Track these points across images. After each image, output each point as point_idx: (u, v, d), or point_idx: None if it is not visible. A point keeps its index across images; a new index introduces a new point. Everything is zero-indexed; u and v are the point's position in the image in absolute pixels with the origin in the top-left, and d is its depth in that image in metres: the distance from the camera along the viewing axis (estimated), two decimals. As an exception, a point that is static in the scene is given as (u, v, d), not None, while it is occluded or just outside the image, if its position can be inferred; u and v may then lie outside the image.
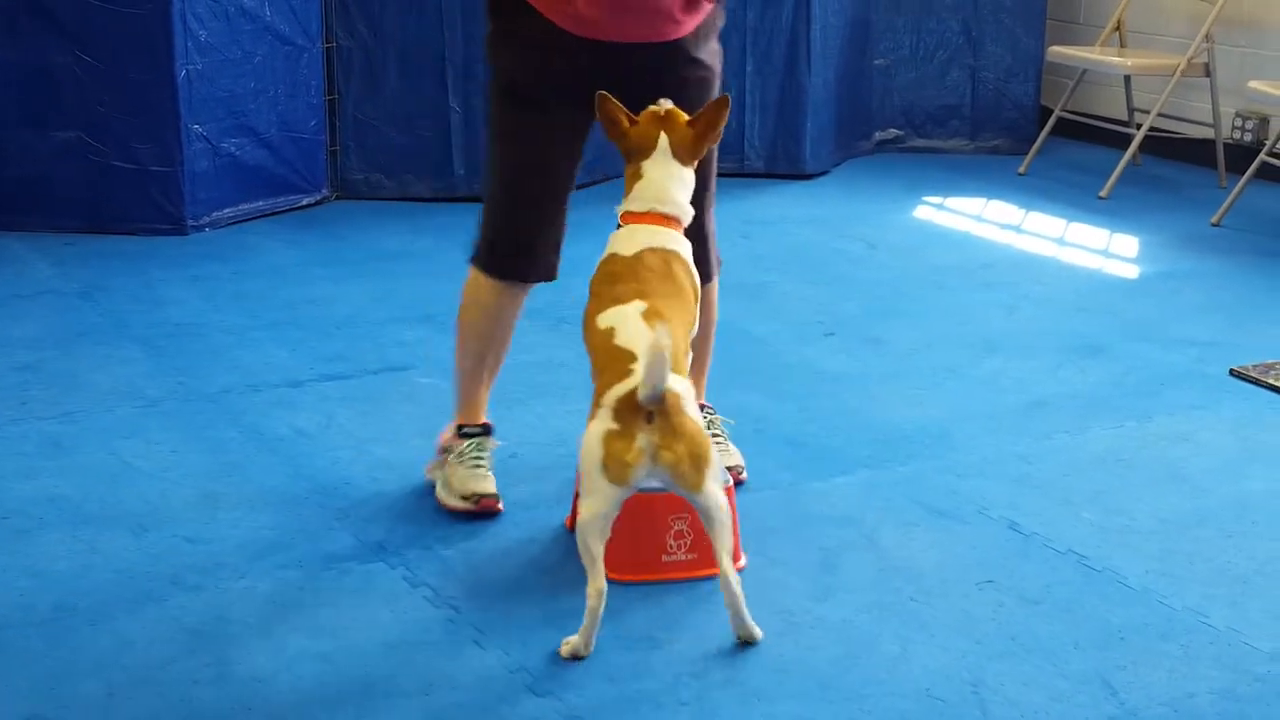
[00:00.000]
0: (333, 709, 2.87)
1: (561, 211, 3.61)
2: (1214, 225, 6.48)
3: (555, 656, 3.04)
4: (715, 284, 3.81)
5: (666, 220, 3.28)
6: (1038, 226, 6.50)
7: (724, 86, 3.60)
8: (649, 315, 3.06)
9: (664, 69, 3.48)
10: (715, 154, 3.67)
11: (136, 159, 5.91)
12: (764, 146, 7.15)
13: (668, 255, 3.23)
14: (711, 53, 3.59)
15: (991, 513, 3.73)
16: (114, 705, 2.86)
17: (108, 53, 5.81)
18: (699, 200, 3.43)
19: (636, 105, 3.34)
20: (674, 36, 3.46)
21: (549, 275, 3.65)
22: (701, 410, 3.80)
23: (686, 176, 3.32)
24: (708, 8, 3.49)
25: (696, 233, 3.47)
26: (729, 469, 3.57)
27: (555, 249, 3.63)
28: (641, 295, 3.12)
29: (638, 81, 3.43)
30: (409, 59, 6.52)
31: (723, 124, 3.33)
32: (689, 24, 3.46)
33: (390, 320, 5.08)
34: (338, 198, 6.60)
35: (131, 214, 5.96)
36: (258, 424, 4.19)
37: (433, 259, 5.79)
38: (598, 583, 2.97)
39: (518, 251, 3.60)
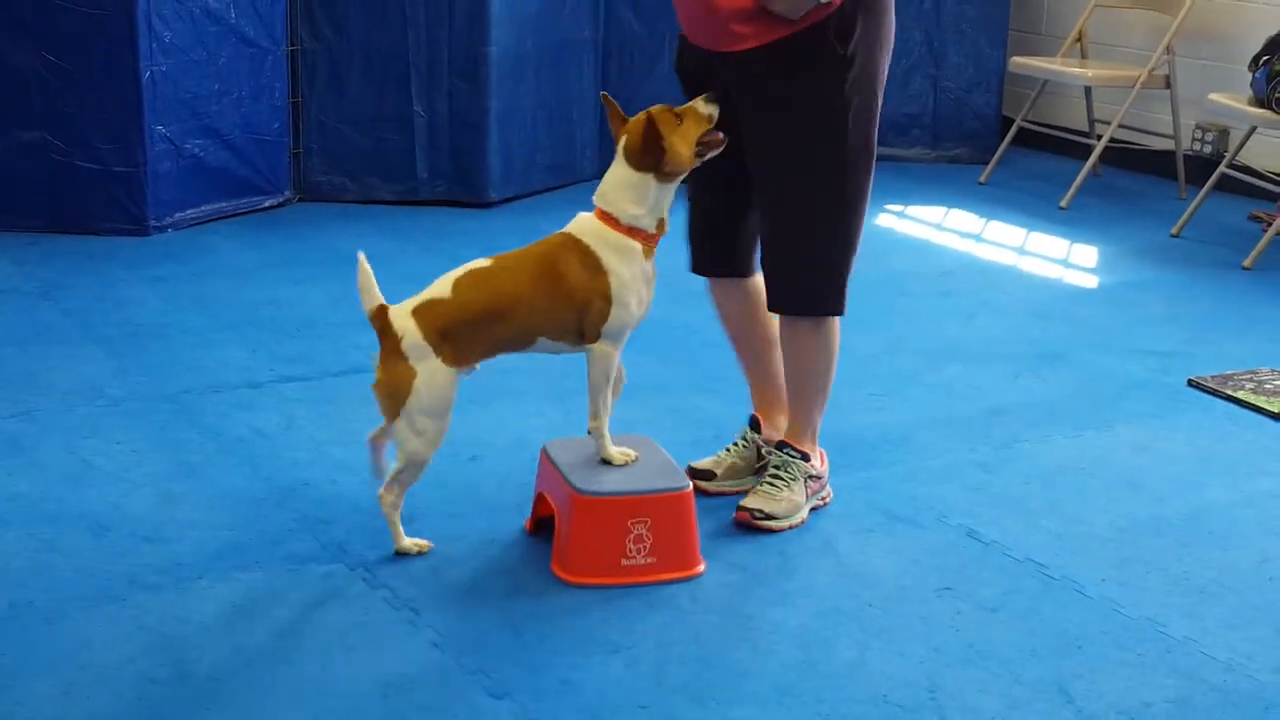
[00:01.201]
0: (290, 710, 2.86)
1: (717, 203, 3.69)
2: (1174, 236, 6.52)
3: (514, 660, 3.05)
4: (807, 323, 3.61)
5: (602, 216, 3.38)
6: (998, 235, 6.53)
7: (846, 133, 3.44)
8: (468, 272, 3.36)
9: (737, 85, 3.44)
10: (819, 181, 3.49)
11: (99, 159, 5.88)
12: (728, 153, 7.15)
13: (566, 239, 3.38)
14: (800, 87, 3.39)
15: (950, 520, 3.75)
16: (71, 704, 2.85)
17: (72, 53, 5.78)
18: (765, 231, 3.56)
19: (729, 118, 3.42)
20: (734, 49, 3.40)
21: (715, 269, 3.78)
22: (781, 448, 3.71)
23: (633, 180, 3.35)
24: (774, 32, 3.34)
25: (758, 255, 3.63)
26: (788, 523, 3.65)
27: (713, 241, 3.74)
28: (495, 259, 3.40)
29: (729, 94, 3.45)
30: (373, 63, 6.51)
31: (653, 140, 3.31)
32: (750, 39, 3.36)
33: (351, 323, 5.06)
34: (300, 200, 6.59)
35: (94, 214, 5.94)
36: (217, 425, 4.19)
37: (395, 262, 5.76)
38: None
39: (689, 242, 3.80)
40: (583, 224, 3.40)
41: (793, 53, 3.37)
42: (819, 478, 3.73)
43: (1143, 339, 5.18)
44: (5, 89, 5.83)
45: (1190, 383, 4.74)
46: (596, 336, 3.38)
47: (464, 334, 3.31)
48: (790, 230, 3.53)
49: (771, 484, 3.67)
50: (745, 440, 3.87)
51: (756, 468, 3.84)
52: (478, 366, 3.45)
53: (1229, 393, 4.63)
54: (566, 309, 3.35)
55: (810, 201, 3.50)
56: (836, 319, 3.64)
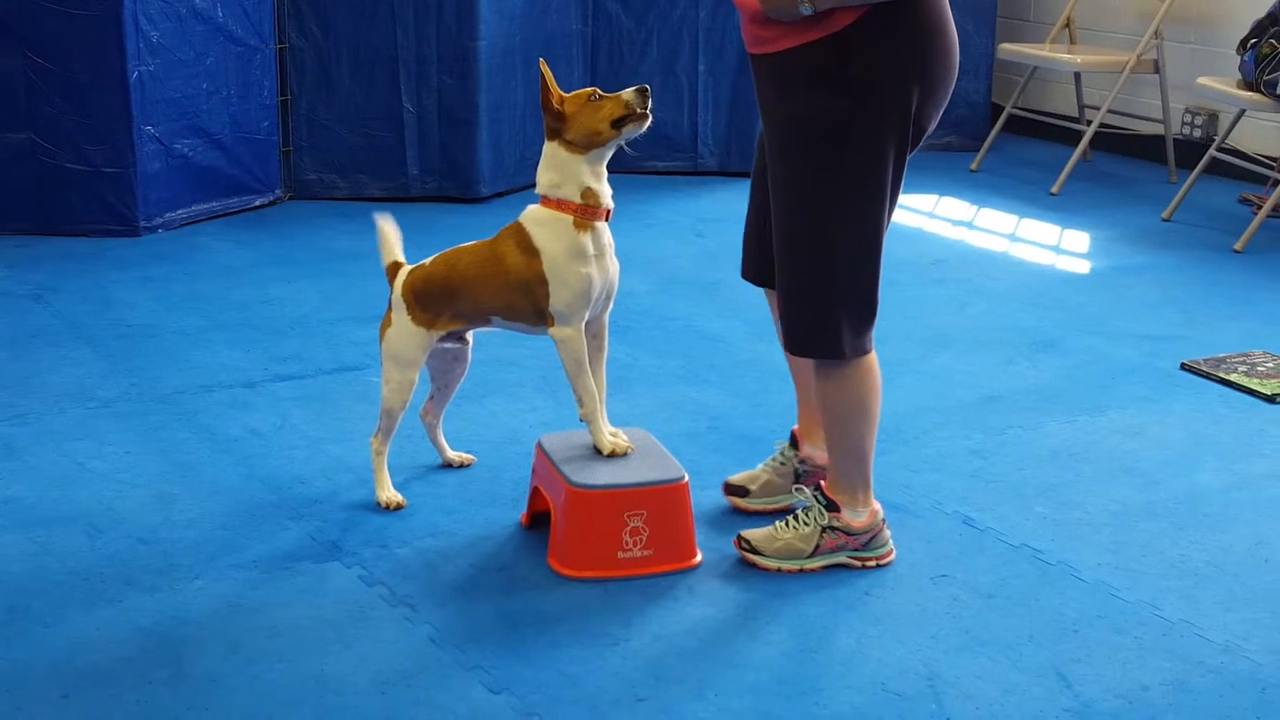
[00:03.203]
0: (289, 708, 2.86)
1: (759, 211, 3.54)
2: (1165, 220, 6.53)
3: (512, 654, 3.05)
4: (833, 367, 3.35)
5: (541, 199, 3.48)
6: (989, 222, 6.54)
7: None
8: (451, 249, 3.65)
9: (757, 91, 3.35)
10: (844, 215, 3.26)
11: (88, 160, 5.87)
12: (717, 145, 7.16)
13: (512, 225, 3.52)
14: (796, 103, 3.19)
15: (945, 507, 3.75)
16: (69, 706, 2.85)
17: (58, 54, 5.77)
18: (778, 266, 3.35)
19: None
20: (755, 51, 3.27)
21: (756, 277, 3.63)
22: (816, 489, 3.51)
23: (547, 151, 3.47)
24: (783, 40, 3.15)
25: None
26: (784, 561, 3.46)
27: (754, 248, 3.59)
28: (473, 243, 3.64)
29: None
30: (362, 60, 6.51)
31: (545, 104, 3.41)
32: (769, 44, 3.19)
33: (343, 320, 5.07)
34: (291, 198, 6.58)
35: (83, 215, 5.93)
36: (211, 425, 4.18)
37: (387, 259, 5.77)
38: None
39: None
40: (526, 211, 3.50)
41: (796, 67, 3.16)
42: (850, 533, 3.42)
43: (1135, 323, 5.19)
44: (-8, 92, 5.83)
45: (1183, 366, 4.74)
46: (550, 320, 3.44)
47: (428, 300, 3.59)
48: (778, 256, 3.34)
49: (784, 521, 3.47)
50: (783, 456, 3.73)
51: (794, 486, 3.67)
52: (462, 335, 3.71)
53: (1222, 376, 4.63)
54: (508, 291, 3.49)
55: (792, 227, 3.28)
56: (859, 366, 3.34)
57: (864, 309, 3.31)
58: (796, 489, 3.64)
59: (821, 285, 3.28)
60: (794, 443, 3.73)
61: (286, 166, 6.55)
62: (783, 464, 3.73)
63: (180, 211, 6.13)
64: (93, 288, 5.36)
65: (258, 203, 6.43)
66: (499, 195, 6.67)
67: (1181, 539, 3.61)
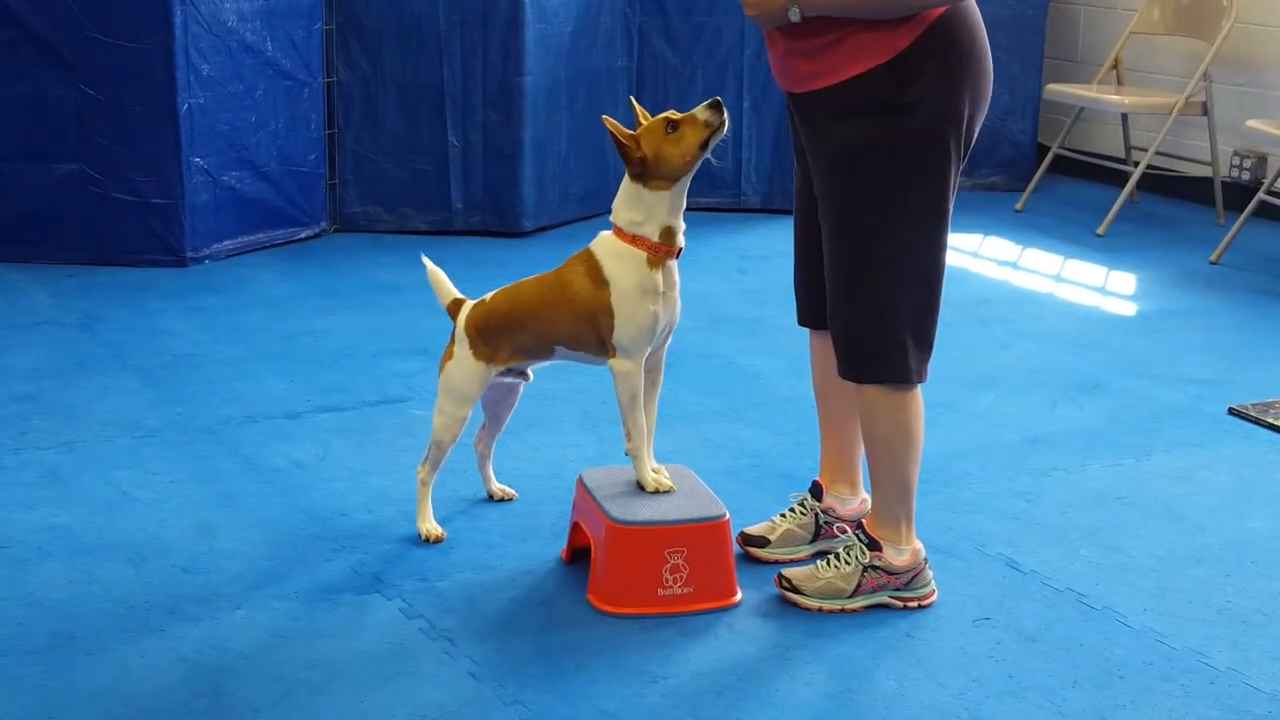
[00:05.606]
0: (328, 741, 2.87)
1: (810, 252, 3.46)
2: (1212, 263, 6.49)
3: (551, 690, 3.04)
4: (871, 390, 3.35)
5: (614, 229, 3.44)
6: (1035, 263, 6.51)
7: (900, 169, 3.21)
8: (513, 283, 3.65)
9: (803, 128, 3.34)
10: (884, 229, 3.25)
11: (137, 191, 5.92)
12: (760, 182, 7.16)
13: (582, 253, 3.49)
14: (853, 134, 3.19)
15: (989, 549, 3.73)
16: (109, 736, 2.87)
17: (109, 86, 5.82)
18: (830, 287, 3.34)
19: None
20: (795, 90, 3.28)
21: (807, 319, 3.59)
22: (858, 527, 3.51)
23: (629, 189, 3.40)
24: (833, 75, 3.16)
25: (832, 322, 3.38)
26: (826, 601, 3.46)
27: (806, 290, 3.54)
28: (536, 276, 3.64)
29: (799, 136, 3.39)
30: (408, 94, 6.54)
31: (621, 151, 3.35)
32: (828, 76, 3.18)
33: (386, 352, 5.09)
34: (336, 231, 6.61)
35: (131, 246, 5.97)
36: (255, 455, 4.19)
37: (429, 292, 5.70)
38: None
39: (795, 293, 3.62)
40: (599, 239, 3.47)
41: (849, 98, 3.17)
42: (891, 573, 3.41)
43: (1182, 367, 5.16)
44: (43, 122, 5.87)
45: (1231, 411, 4.71)
46: (612, 351, 3.42)
47: (491, 334, 3.59)
48: (834, 286, 3.33)
49: (826, 560, 3.45)
50: (803, 506, 3.69)
51: (813, 537, 3.66)
52: (524, 370, 3.70)
53: (1270, 421, 4.59)
54: (573, 319, 3.47)
55: (852, 257, 3.27)
56: (912, 394, 3.36)
57: (928, 334, 3.32)
58: (839, 528, 3.63)
59: (891, 311, 3.27)
60: (816, 493, 3.69)
61: (332, 199, 6.59)
62: (803, 514, 3.68)
63: (227, 243, 6.17)
64: (139, 317, 5.39)
65: (303, 235, 6.46)
66: (542, 230, 6.68)
67: (1229, 585, 3.58)
